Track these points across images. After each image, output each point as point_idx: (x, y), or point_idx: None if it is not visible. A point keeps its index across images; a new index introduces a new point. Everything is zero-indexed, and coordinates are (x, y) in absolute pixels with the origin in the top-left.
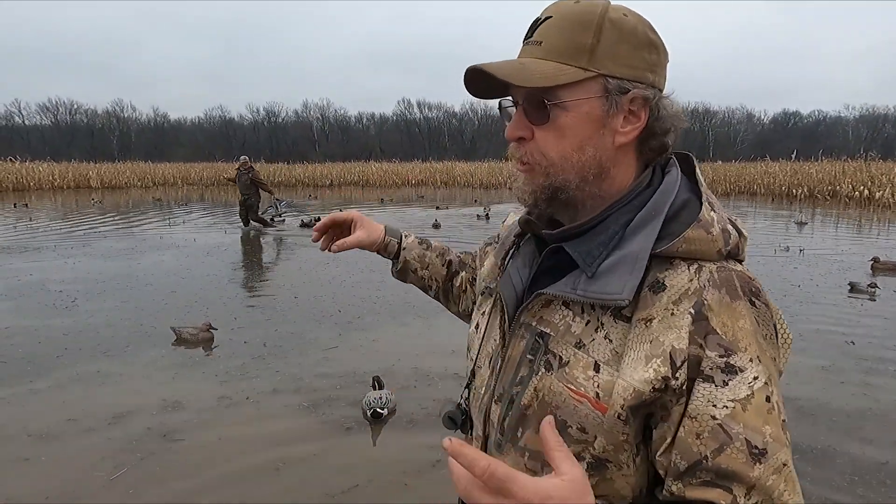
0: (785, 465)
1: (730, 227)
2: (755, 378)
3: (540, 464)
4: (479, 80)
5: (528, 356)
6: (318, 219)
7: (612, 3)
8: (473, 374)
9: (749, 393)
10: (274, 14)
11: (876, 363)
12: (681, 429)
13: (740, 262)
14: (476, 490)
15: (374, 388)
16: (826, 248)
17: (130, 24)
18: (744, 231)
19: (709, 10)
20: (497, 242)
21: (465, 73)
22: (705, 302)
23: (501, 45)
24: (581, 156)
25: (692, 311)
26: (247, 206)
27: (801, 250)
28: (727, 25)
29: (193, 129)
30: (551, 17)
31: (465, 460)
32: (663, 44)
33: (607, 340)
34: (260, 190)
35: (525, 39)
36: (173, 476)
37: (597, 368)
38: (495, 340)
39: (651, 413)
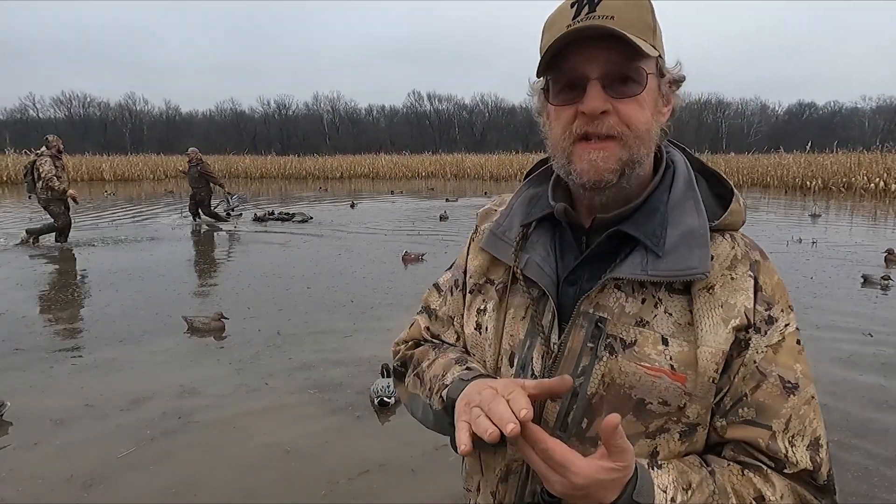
0: (813, 397)
1: (741, 198)
2: (786, 325)
3: None
4: (575, 46)
5: (589, 344)
6: (272, 212)
7: None
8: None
9: (781, 338)
10: (288, 8)
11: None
12: (736, 376)
13: None
14: (539, 463)
15: (383, 376)
16: (839, 241)
17: (144, 17)
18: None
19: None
20: (484, 238)
21: (567, 36)
22: (755, 264)
23: (510, 40)
24: (655, 129)
25: (751, 274)
26: (196, 200)
27: (813, 242)
28: (743, 17)
29: (205, 121)
30: None
31: (532, 435)
32: None
33: (668, 314)
34: (210, 184)
35: (584, 14)
36: (186, 457)
37: (665, 342)
38: (513, 336)
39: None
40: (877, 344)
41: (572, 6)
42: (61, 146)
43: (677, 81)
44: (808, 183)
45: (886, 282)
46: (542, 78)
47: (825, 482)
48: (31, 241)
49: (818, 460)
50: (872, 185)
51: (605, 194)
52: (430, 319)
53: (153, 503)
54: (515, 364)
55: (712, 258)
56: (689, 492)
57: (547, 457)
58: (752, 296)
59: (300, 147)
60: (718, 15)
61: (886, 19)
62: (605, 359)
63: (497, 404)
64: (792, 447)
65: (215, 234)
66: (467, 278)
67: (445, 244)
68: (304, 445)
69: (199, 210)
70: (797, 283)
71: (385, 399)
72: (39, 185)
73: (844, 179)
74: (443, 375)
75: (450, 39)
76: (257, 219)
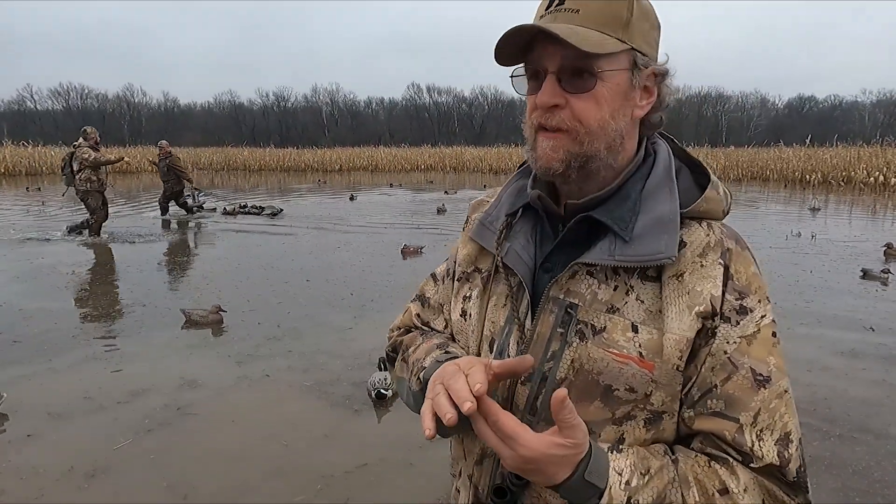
0: (786, 391)
1: (725, 188)
2: (762, 316)
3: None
4: (514, 42)
5: (559, 329)
6: (244, 206)
7: None
8: None
9: (756, 329)
10: (288, 3)
11: None
12: (703, 365)
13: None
14: (488, 434)
15: (381, 370)
16: (839, 235)
17: (144, 9)
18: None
19: None
20: (473, 228)
21: (509, 33)
22: (728, 252)
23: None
24: (614, 125)
25: (721, 262)
26: (168, 194)
27: (813, 236)
28: (744, 10)
29: (203, 113)
30: None
31: (485, 406)
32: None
33: (639, 301)
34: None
35: (552, 7)
36: (183, 449)
37: (634, 329)
38: (494, 323)
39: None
40: (879, 337)
41: None
42: (98, 137)
43: (660, 74)
44: (807, 177)
45: (886, 275)
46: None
47: (795, 479)
48: (91, 234)
49: (786, 455)
50: (872, 178)
51: (568, 184)
52: (422, 307)
53: (149, 496)
54: (495, 350)
55: (685, 245)
56: (647, 477)
57: (497, 429)
58: (720, 284)
59: (299, 139)
60: (719, 8)
61: (887, 13)
62: (574, 344)
63: (456, 381)
64: (759, 441)
65: (199, 228)
66: (456, 267)
67: (445, 237)
68: (301, 439)
69: (170, 203)
70: (797, 277)
71: (382, 392)
72: (79, 176)
73: (844, 173)
74: (423, 358)
75: (449, 31)
76: (227, 213)
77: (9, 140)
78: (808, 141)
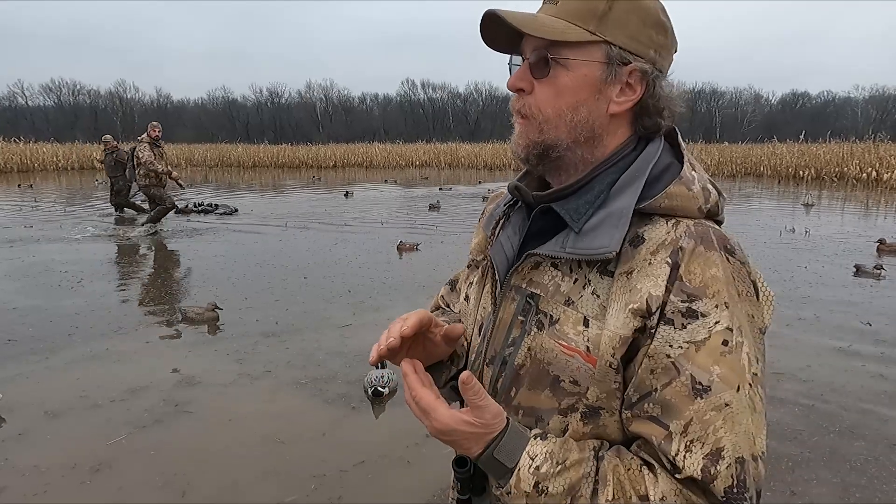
0: (727, 405)
1: (710, 186)
2: (716, 322)
3: (534, 420)
4: (493, 28)
5: (520, 317)
6: (201, 204)
7: None
8: (469, 343)
9: (706, 336)
10: None
11: (894, 345)
12: (641, 367)
13: (719, 223)
14: (412, 405)
15: (377, 367)
16: (832, 230)
17: (134, 4)
18: (723, 192)
19: None
20: (485, 219)
21: (482, 18)
22: (680, 251)
23: None
24: (574, 116)
25: (668, 261)
26: (115, 190)
27: (806, 231)
28: (738, 7)
29: (196, 109)
30: None
31: (409, 382)
32: (673, 30)
33: (595, 296)
34: (128, 172)
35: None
36: (179, 447)
37: (586, 323)
38: (485, 308)
39: (630, 358)
40: (875, 333)
41: None
42: (158, 132)
43: (644, 72)
44: (801, 172)
45: (879, 271)
46: None
47: (723, 499)
48: (153, 229)
49: (712, 472)
50: (864, 174)
51: (548, 174)
52: (449, 290)
53: (146, 495)
54: (481, 333)
55: (643, 241)
56: (559, 466)
57: (416, 401)
58: (661, 283)
59: (293, 135)
60: (713, 5)
61: (880, 9)
62: (532, 333)
63: (390, 328)
64: (687, 452)
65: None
66: (470, 254)
67: (443, 233)
68: (299, 437)
69: (118, 200)
70: (791, 273)
71: (379, 389)
72: (139, 171)
73: (837, 169)
74: None
75: (444, 27)
76: (179, 211)
77: (0, 136)
78: (801, 137)
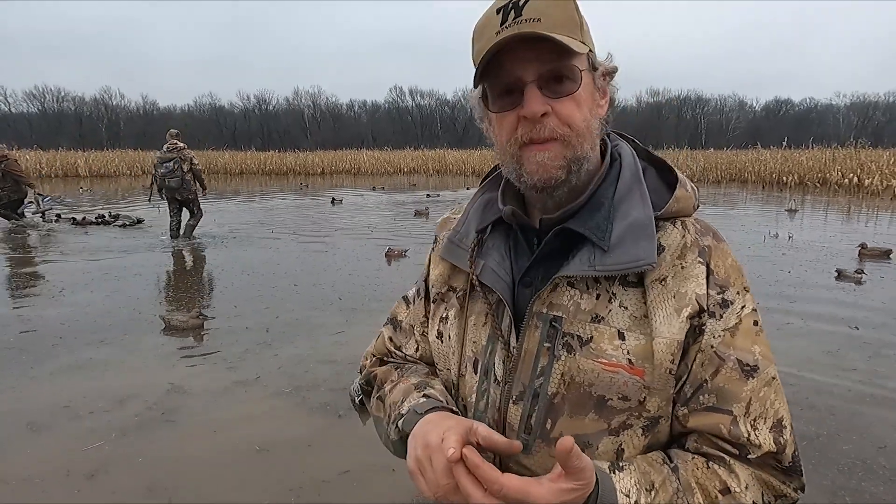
0: (774, 378)
1: (690, 183)
2: (742, 307)
3: (581, 447)
4: (491, 65)
5: (546, 344)
6: (102, 216)
7: None
8: (455, 385)
9: (738, 320)
10: (269, 4)
11: (882, 348)
12: (695, 362)
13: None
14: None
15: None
16: (815, 235)
17: (120, 10)
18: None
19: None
20: (442, 247)
21: (499, 44)
22: (706, 249)
23: None
24: (593, 123)
25: (700, 261)
26: (6, 201)
27: (789, 237)
28: (722, 15)
29: (183, 116)
30: None
31: (483, 475)
32: None
33: (623, 308)
34: (20, 183)
35: (510, 21)
36: (162, 456)
37: (622, 337)
38: (476, 343)
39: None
40: (862, 337)
41: (498, 12)
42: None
43: (610, 73)
44: (784, 178)
45: (860, 276)
46: (479, 86)
47: (790, 464)
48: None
49: (782, 441)
50: (846, 180)
51: (556, 194)
52: (394, 330)
53: (131, 500)
54: (479, 370)
55: (664, 249)
56: (653, 492)
57: (503, 495)
58: (703, 282)
59: (281, 142)
60: (697, 13)
61: (861, 18)
62: (563, 358)
63: (433, 468)
64: (755, 430)
65: (48, 235)
66: (430, 288)
67: (431, 240)
68: (284, 445)
69: (10, 209)
70: (776, 277)
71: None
72: (186, 178)
73: (820, 175)
74: (401, 403)
75: (432, 34)
76: (76, 222)
77: None
78: (784, 143)
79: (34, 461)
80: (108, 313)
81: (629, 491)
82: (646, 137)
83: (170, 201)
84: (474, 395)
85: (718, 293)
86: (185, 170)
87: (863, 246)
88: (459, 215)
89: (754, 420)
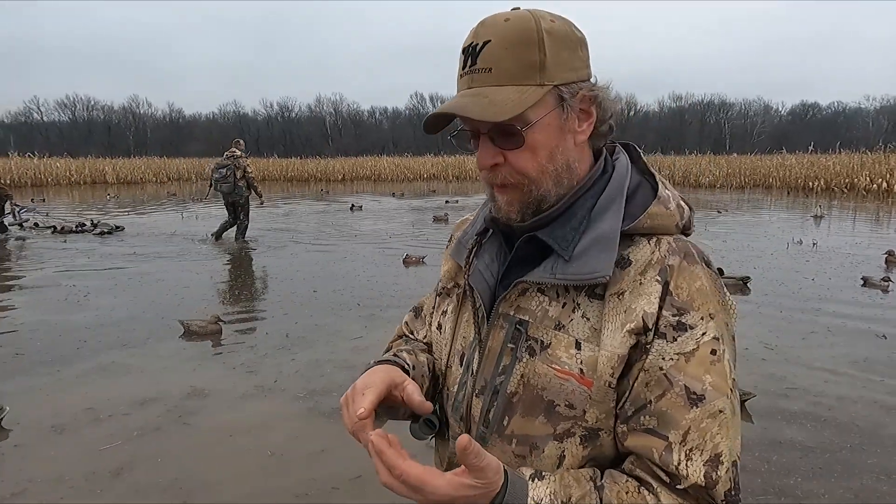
0: (721, 412)
1: (682, 202)
2: (703, 334)
3: (528, 448)
4: (440, 121)
5: (510, 345)
6: (82, 224)
7: (533, 9)
8: (444, 375)
9: (695, 346)
10: (292, 12)
11: None
12: (637, 381)
13: (687, 236)
14: (395, 485)
15: None
16: (840, 242)
17: (148, 21)
18: (692, 206)
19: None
20: (452, 246)
21: (429, 118)
22: (668, 268)
23: None
24: (554, 164)
25: (658, 279)
26: None
27: (814, 244)
28: (747, 18)
29: (208, 124)
30: (490, 41)
31: (386, 460)
32: (584, 34)
33: (585, 319)
34: None
35: (468, 67)
36: (177, 459)
37: (578, 346)
38: (465, 338)
39: (623, 374)
40: (890, 347)
41: (464, 52)
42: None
43: (593, 97)
44: (810, 184)
45: (886, 283)
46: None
47: (723, 502)
48: (215, 239)
49: (714, 477)
50: (875, 185)
51: (527, 212)
52: (413, 317)
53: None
54: (464, 363)
55: (630, 263)
56: None
57: (404, 481)
58: (655, 300)
59: (303, 149)
60: (721, 16)
61: (891, 19)
62: (524, 360)
63: (349, 412)
64: (687, 460)
65: (24, 245)
66: (439, 282)
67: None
68: (297, 450)
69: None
70: (799, 285)
71: None
72: (240, 183)
73: (847, 180)
74: (381, 356)
75: (453, 41)
76: (57, 231)
77: (15, 151)
78: (811, 148)
79: (58, 462)
80: (132, 318)
81: (541, 500)
82: (668, 142)
83: (225, 203)
84: (456, 386)
85: (675, 315)
86: (238, 177)
87: (890, 253)
88: (473, 218)
89: (690, 450)
